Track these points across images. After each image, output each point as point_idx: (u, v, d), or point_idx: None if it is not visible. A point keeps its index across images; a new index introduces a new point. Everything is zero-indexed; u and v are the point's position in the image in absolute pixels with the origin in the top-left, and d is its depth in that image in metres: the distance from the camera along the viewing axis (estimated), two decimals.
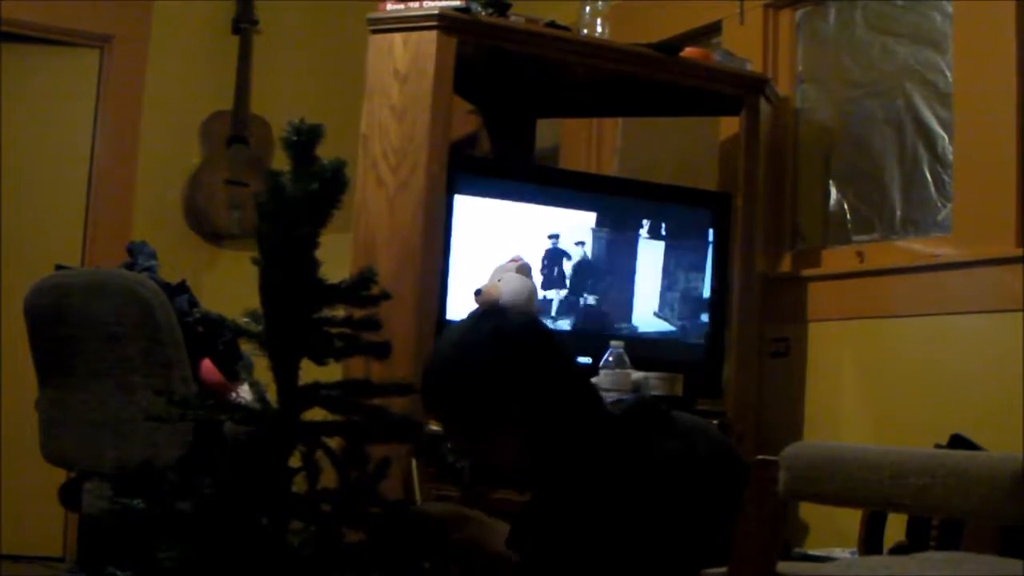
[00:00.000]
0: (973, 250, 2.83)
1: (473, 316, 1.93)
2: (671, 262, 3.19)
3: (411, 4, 2.92)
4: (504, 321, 1.88)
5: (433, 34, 2.88)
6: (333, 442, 2.38)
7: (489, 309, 1.89)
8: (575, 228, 3.12)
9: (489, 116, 3.65)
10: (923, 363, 2.93)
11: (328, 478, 2.34)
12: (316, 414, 2.38)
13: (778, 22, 3.57)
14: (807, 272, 3.32)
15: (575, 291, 3.11)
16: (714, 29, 3.71)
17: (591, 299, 3.13)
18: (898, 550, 2.33)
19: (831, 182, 3.42)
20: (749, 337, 3.19)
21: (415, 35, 2.90)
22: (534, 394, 1.79)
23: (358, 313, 2.39)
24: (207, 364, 2.91)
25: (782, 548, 1.89)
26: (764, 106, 3.28)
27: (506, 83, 3.39)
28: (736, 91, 3.25)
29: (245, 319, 2.33)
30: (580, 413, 1.81)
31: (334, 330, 2.35)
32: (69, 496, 3.05)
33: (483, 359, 1.80)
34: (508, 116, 3.58)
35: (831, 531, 2.90)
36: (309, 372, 2.40)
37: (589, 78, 3.26)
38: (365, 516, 2.23)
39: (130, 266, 3.11)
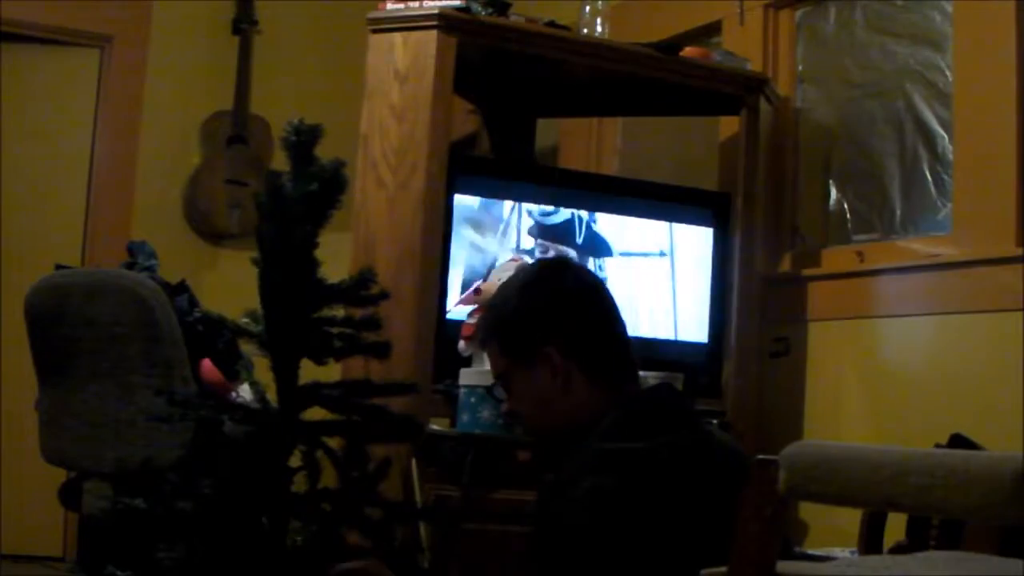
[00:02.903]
0: (973, 250, 2.83)
1: (544, 260, 2.03)
2: (671, 261, 3.19)
3: (411, 4, 2.92)
4: (563, 267, 2.00)
5: (433, 34, 2.88)
6: (333, 442, 2.38)
7: (562, 259, 2.03)
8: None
9: (489, 116, 3.64)
10: (923, 363, 2.93)
11: (328, 478, 2.34)
12: (316, 414, 2.38)
13: (778, 22, 3.57)
14: (807, 272, 3.32)
15: None
16: (714, 29, 3.71)
17: None
18: (898, 550, 2.32)
19: (831, 182, 3.41)
20: (749, 337, 3.19)
21: (415, 35, 2.90)
22: (562, 337, 1.86)
23: (358, 313, 2.39)
24: (207, 364, 2.91)
25: (783, 546, 1.89)
26: (764, 106, 3.28)
27: (506, 83, 3.38)
28: (736, 91, 3.24)
29: (245, 319, 2.33)
30: (603, 374, 1.86)
31: (334, 330, 2.35)
32: (69, 496, 3.04)
33: (528, 292, 1.91)
34: (508, 116, 3.58)
35: (831, 531, 2.90)
36: (309, 372, 2.40)
37: (589, 78, 3.26)
38: (365, 516, 2.22)
39: (130, 266, 3.11)
